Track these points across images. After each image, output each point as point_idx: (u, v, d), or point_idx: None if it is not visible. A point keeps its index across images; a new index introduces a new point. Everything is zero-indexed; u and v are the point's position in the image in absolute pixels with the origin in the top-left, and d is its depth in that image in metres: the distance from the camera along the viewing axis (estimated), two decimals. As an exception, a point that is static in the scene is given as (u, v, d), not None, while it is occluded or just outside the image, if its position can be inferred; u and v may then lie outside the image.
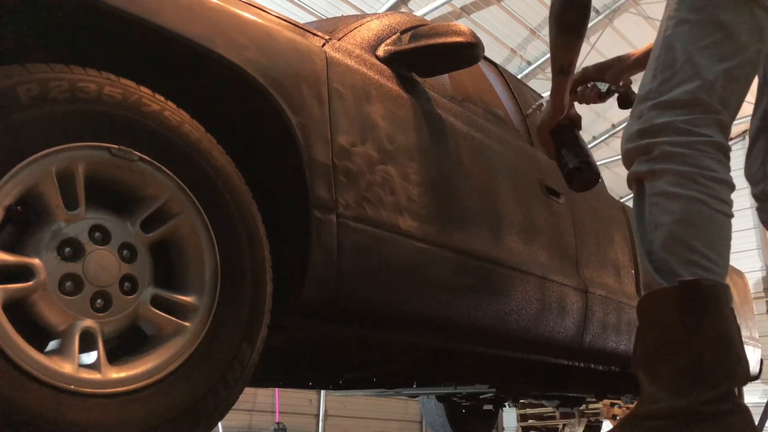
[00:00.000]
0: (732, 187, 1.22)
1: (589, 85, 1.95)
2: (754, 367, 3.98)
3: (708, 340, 1.12)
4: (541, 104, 2.02)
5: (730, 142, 1.24)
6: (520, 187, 2.31)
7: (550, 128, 1.91)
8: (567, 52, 1.71)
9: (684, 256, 1.16)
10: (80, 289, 1.16)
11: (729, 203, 1.21)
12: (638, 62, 1.91)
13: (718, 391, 1.09)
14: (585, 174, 1.90)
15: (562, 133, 1.91)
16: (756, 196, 1.45)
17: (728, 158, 1.24)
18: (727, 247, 1.20)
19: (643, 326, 1.20)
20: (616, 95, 1.95)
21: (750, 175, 1.46)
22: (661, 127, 1.21)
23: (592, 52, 8.74)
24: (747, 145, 1.50)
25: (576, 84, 1.93)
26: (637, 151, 1.24)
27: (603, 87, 1.94)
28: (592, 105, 2.00)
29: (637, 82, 1.88)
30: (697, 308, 1.13)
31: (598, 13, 9.91)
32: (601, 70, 1.94)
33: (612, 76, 1.93)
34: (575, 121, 1.93)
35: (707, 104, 1.21)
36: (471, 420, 4.50)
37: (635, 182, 1.26)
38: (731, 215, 1.22)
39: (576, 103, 1.98)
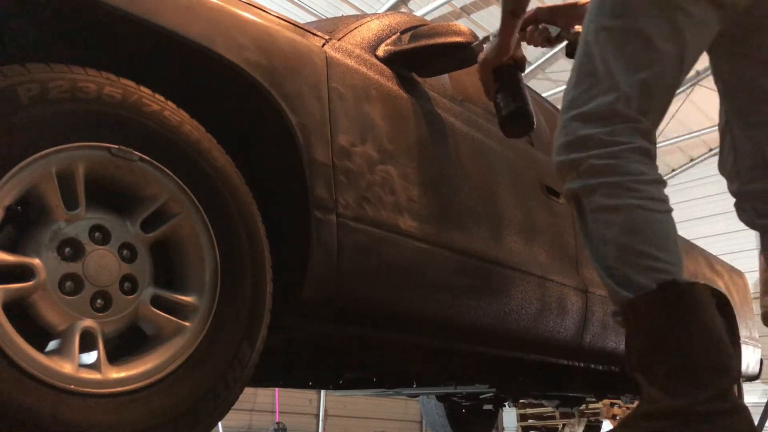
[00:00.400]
0: (664, 183, 1.24)
1: (539, 27, 1.90)
2: (754, 367, 3.98)
3: (695, 338, 1.13)
4: (487, 38, 1.95)
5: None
6: (520, 187, 2.31)
7: (493, 66, 1.85)
8: None
9: (639, 264, 1.17)
10: (80, 289, 1.16)
11: (665, 200, 1.23)
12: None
13: (714, 389, 1.10)
14: (520, 120, 1.84)
15: (505, 75, 1.85)
16: (733, 193, 1.44)
17: (653, 159, 1.25)
18: (676, 243, 1.21)
19: (631, 333, 1.20)
20: (566, 42, 1.89)
21: (725, 172, 1.46)
22: (584, 141, 1.22)
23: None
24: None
25: (526, 23, 1.88)
26: (566, 166, 1.26)
27: (553, 31, 1.89)
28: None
29: None
30: (678, 307, 1.14)
31: (598, 13, 9.88)
32: (553, 14, 1.90)
33: (564, 22, 1.89)
34: (520, 63, 1.87)
35: (625, 115, 1.22)
36: (471, 420, 4.50)
37: (572, 199, 1.27)
38: (671, 210, 1.24)
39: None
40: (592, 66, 1.25)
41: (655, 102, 1.25)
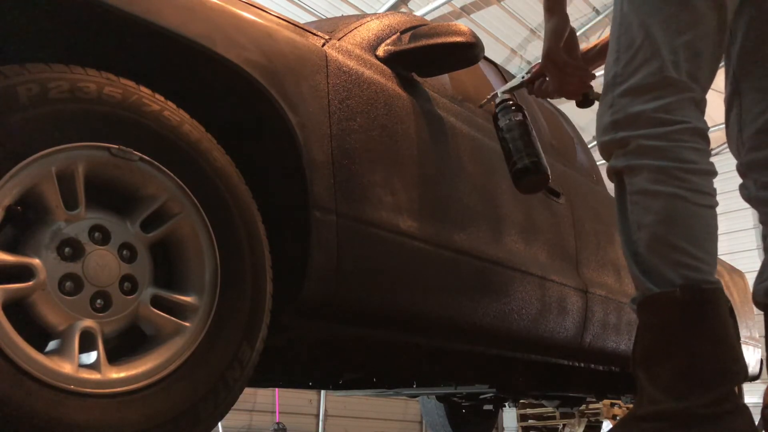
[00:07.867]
0: (713, 174, 1.19)
1: (548, 79, 1.81)
2: (754, 367, 3.98)
3: (707, 341, 1.12)
4: (496, 95, 1.90)
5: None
6: (520, 187, 2.31)
7: (559, 47, 1.59)
8: None
9: (670, 257, 1.14)
10: (80, 289, 1.16)
11: (711, 194, 1.18)
12: (601, 53, 1.79)
13: (717, 392, 1.09)
14: (533, 176, 1.79)
15: (519, 127, 1.80)
16: (737, 169, 1.38)
17: (707, 140, 1.19)
18: (714, 241, 1.17)
19: (642, 327, 1.19)
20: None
21: (732, 148, 1.40)
22: (634, 118, 1.17)
23: (592, 52, 8.73)
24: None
25: (535, 76, 1.80)
26: (612, 144, 1.21)
27: None
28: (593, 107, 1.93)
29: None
30: (696, 311, 1.12)
31: (598, 13, 9.92)
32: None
33: None
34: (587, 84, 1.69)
35: (677, 83, 1.17)
36: (471, 420, 4.50)
37: (615, 176, 1.23)
38: (715, 204, 1.19)
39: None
40: (630, 37, 1.20)
41: (703, 67, 1.19)
